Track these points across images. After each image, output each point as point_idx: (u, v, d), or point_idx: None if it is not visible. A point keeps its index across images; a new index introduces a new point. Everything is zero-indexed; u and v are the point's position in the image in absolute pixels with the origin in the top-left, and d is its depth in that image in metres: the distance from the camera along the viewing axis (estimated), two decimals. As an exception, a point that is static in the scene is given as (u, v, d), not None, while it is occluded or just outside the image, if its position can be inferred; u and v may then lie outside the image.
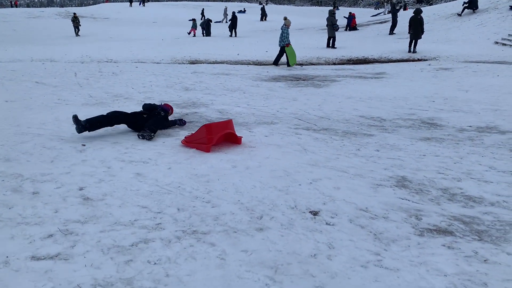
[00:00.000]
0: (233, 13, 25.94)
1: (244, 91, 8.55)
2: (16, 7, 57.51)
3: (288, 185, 3.65)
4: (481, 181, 3.78)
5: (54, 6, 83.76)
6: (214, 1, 69.02)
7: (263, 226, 2.92)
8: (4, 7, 63.92)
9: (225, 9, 35.71)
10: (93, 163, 4.21)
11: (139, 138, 5.04)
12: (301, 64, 13.21)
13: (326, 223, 2.98)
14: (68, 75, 10.53)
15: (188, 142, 4.81)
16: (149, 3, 58.27)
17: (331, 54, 15.62)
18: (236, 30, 24.53)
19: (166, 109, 5.65)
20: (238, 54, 15.21)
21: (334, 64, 14.03)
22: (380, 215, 3.12)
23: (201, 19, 25.13)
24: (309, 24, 31.22)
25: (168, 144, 4.88)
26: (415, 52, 15.00)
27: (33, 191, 3.48)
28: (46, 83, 9.20)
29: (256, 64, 13.90)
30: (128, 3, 49.47)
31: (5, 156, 4.33)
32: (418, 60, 14.16)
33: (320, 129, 5.64)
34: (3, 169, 3.95)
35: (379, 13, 35.25)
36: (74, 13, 28.51)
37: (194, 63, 13.77)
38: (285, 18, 13.19)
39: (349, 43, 18.71)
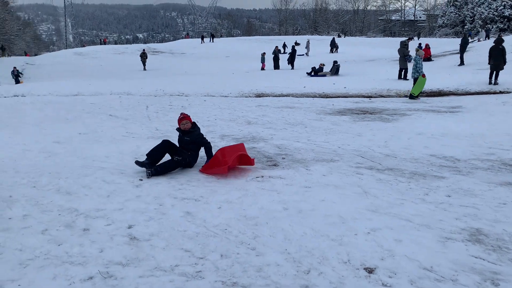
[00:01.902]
0: (293, 46, 26.35)
1: (306, 125, 8.34)
2: (105, 44, 63.17)
3: (342, 234, 3.33)
4: None
5: (138, 43, 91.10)
6: (286, 35, 70.62)
7: (309, 283, 2.64)
8: (95, 45, 70.59)
9: (308, 42, 35.89)
10: (147, 199, 4.22)
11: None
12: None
13: (383, 284, 2.63)
14: (140, 108, 11.08)
15: (206, 169, 5.13)
16: (221, 38, 61.05)
17: (403, 86, 14.92)
18: (294, 63, 25.02)
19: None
20: (304, 87, 15.11)
21: (406, 96, 13.36)
22: (448, 276, 2.70)
23: (284, 51, 25.94)
24: (380, 55, 30.53)
25: (222, 181, 4.78)
26: (497, 84, 13.84)
27: (84, 227, 3.52)
28: (118, 116, 9.72)
29: (322, 97, 13.68)
30: (200, 39, 52.28)
31: (67, 189, 4.50)
32: (500, 92, 13.02)
33: (384, 169, 5.23)
34: (62, 203, 4.08)
35: (473, 41, 33.32)
36: (143, 49, 30.74)
37: (260, 96, 13.88)
38: (417, 50, 13.25)
39: (422, 75, 17.84)
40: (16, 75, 23.52)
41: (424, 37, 55.08)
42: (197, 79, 19.45)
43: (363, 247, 3.11)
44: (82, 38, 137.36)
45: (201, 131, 5.57)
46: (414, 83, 12.62)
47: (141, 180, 4.84)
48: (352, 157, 5.82)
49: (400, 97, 13.44)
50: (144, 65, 28.59)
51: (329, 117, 9.36)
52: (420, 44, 25.32)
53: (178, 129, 5.50)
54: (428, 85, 14.77)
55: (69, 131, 7.85)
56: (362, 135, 7.29)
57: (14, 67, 24.27)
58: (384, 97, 13.53)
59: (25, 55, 47.69)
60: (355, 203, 4.02)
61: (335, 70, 19.66)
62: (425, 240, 3.23)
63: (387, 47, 35.95)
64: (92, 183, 4.70)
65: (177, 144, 5.51)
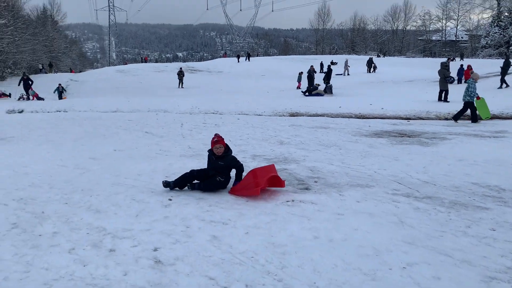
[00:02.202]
0: (329, 66, 26.16)
1: (341, 147, 8.13)
2: (146, 62, 65.29)
3: (376, 268, 3.12)
4: None
5: (178, 61, 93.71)
6: (322, 54, 70.55)
7: (338, 321, 2.47)
8: (137, 62, 73.20)
9: (346, 62, 35.61)
10: (174, 220, 4.16)
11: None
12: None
13: (419, 328, 2.41)
14: (175, 125, 11.23)
15: (236, 191, 5.05)
16: (257, 57, 61.73)
17: (443, 108, 14.41)
18: (329, 81, 24.82)
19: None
20: (340, 107, 14.89)
21: (446, 119, 12.89)
22: (493, 323, 2.45)
23: (321, 71, 25.73)
24: (419, 76, 29.81)
25: (251, 204, 4.67)
26: (546, 107, 13.13)
27: (111, 248, 3.49)
28: (153, 133, 9.87)
29: (358, 117, 13.41)
30: (236, 59, 53.01)
31: (97, 207, 4.52)
32: (550, 116, 12.32)
33: (423, 196, 4.96)
34: (91, 221, 4.09)
35: None
36: (181, 68, 31.54)
37: (294, 116, 13.78)
38: (472, 72, 13.34)
39: (464, 96, 17.19)
40: (60, 92, 24.59)
41: (466, 58, 53.44)
42: (232, 97, 19.60)
43: (397, 284, 2.89)
44: (125, 56, 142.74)
45: (233, 153, 5.49)
46: (464, 107, 12.05)
47: (170, 200, 4.81)
48: (388, 183, 5.57)
49: (440, 119, 12.98)
50: (182, 83, 29.25)
51: (365, 139, 9.11)
52: (462, 65, 24.55)
53: (210, 151, 5.41)
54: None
55: (105, 147, 8.01)
56: (399, 160, 7.00)
57: (59, 84, 25.38)
58: (423, 119, 13.11)
59: (70, 72, 49.93)
60: (391, 234, 3.80)
61: (328, 90, 20.69)
62: (466, 278, 2.98)
63: (427, 68, 35.11)
64: (122, 201, 4.71)
65: (205, 166, 5.45)
